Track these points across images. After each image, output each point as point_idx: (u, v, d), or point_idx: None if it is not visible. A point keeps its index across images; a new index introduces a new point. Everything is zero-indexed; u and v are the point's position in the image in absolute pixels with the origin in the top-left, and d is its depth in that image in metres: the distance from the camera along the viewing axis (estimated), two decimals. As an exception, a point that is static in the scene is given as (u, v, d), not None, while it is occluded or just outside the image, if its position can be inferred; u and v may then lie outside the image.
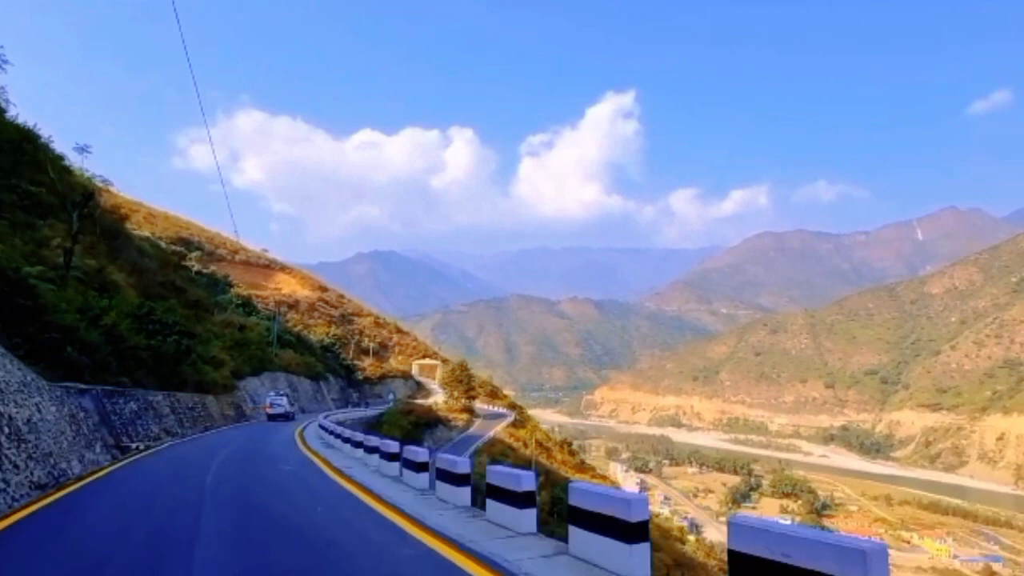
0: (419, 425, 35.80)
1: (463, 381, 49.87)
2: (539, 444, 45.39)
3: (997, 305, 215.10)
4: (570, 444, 61.67)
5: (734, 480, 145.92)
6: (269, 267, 75.86)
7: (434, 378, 73.77)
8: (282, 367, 41.14)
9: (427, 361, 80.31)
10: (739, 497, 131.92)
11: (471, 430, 42.80)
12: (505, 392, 76.62)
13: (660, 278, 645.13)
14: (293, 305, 68.49)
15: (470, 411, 48.53)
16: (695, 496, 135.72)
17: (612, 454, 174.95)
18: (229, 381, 32.01)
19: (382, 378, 67.04)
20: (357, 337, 73.72)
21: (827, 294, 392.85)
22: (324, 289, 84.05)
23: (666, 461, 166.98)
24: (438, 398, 54.71)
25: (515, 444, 40.05)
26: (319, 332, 63.84)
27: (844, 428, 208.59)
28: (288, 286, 72.27)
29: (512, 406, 62.71)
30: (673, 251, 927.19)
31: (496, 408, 56.98)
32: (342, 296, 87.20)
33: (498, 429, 43.38)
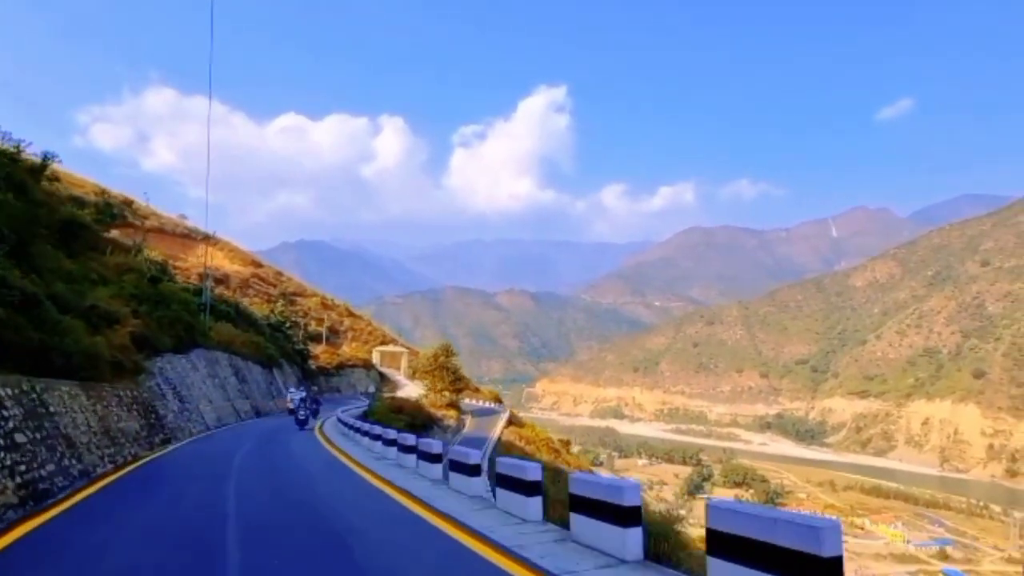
0: (414, 426, 27.06)
1: (449, 369, 41.04)
2: (547, 445, 37.52)
3: (916, 297, 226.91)
4: (569, 443, 54.28)
5: (685, 471, 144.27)
6: (189, 237, 62.95)
7: (399, 368, 64.32)
8: (222, 344, 30.05)
9: (390, 348, 69.99)
10: (693, 488, 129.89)
11: (467, 431, 34.32)
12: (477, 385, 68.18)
13: (593, 271, 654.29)
14: (222, 280, 56.45)
15: (456, 407, 39.86)
16: (651, 488, 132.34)
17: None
18: (132, 357, 17.70)
19: (340, 368, 56.54)
20: (303, 320, 62.25)
21: (753, 287, 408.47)
22: (258, 265, 71.67)
23: (615, 453, 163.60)
24: (410, 391, 45.78)
25: (527, 447, 32.02)
26: (263, 308, 52.42)
27: (779, 416, 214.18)
28: (215, 259, 59.92)
29: (497, 399, 54.54)
30: (605, 245, 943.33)
31: (482, 403, 48.63)
32: (280, 273, 75.03)
33: (500, 429, 35.13)
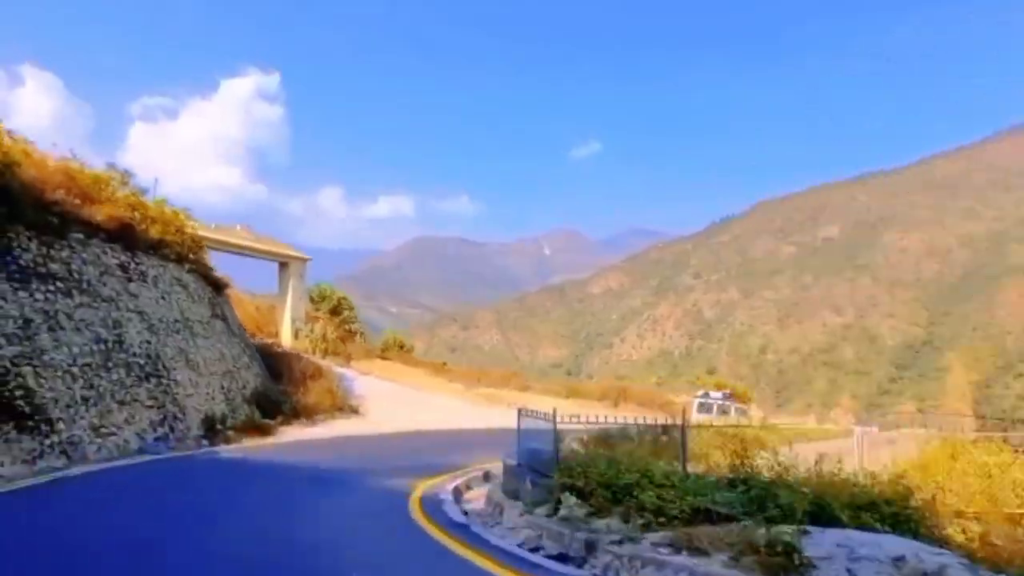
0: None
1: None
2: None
3: (647, 304, 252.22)
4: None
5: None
6: None
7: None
8: None
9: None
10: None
11: None
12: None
13: (316, 275, 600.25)
14: None
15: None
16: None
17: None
18: None
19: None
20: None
21: (478, 296, 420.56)
22: None
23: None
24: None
25: None
26: None
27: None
28: None
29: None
30: (326, 250, 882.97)
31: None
32: None
33: None
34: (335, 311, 35.65)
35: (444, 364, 42.21)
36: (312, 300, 34.78)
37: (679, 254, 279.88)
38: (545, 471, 7.41)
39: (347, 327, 36.07)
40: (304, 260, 31.56)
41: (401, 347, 40.41)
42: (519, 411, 8.99)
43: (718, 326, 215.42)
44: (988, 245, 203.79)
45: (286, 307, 29.68)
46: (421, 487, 9.78)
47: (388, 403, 21.95)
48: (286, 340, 27.12)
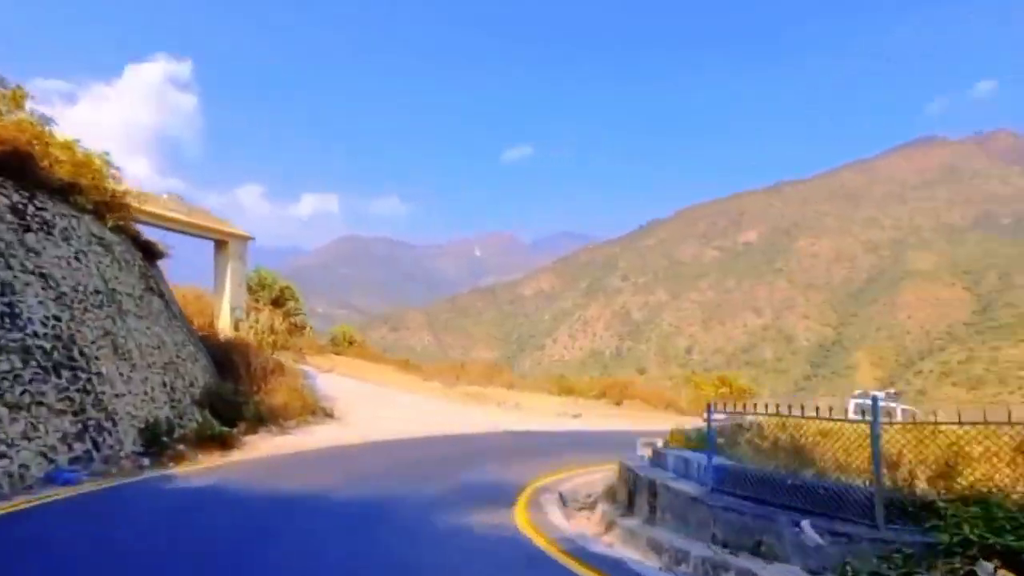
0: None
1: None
2: None
3: (577, 305, 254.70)
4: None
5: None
6: None
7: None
8: None
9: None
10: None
11: None
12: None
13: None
14: None
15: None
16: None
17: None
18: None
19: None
20: None
21: (408, 297, 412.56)
22: None
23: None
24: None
25: None
26: None
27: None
28: None
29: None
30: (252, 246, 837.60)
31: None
32: None
33: None
34: (277, 302, 30.94)
35: (408, 360, 38.21)
36: (250, 289, 29.79)
37: (608, 256, 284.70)
38: (850, 514, 4.17)
39: (292, 319, 31.37)
40: (246, 239, 26.64)
41: (351, 343, 36.07)
42: (708, 405, 5.76)
43: (646, 327, 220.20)
44: (889, 252, 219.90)
45: (224, 294, 24.75)
46: (523, 526, 6.33)
47: (364, 405, 18.07)
48: (224, 332, 22.34)
